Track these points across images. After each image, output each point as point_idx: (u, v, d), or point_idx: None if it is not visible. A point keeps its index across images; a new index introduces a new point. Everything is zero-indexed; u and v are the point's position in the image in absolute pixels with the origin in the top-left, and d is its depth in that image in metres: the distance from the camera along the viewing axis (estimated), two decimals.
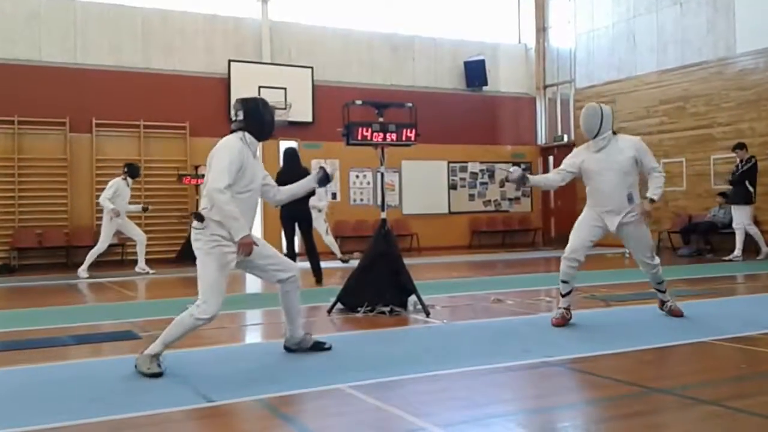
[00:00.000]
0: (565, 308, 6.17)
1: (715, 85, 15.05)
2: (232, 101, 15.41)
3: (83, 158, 14.29)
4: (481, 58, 18.23)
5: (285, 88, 15.69)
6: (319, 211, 12.61)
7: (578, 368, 4.62)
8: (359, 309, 6.96)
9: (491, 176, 18.39)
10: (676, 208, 15.74)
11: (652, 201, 5.98)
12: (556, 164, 19.34)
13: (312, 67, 16.27)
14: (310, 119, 16.11)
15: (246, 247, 4.51)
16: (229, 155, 4.58)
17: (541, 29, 19.40)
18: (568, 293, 6.21)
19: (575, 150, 6.38)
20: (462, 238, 17.50)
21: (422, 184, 17.43)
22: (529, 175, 6.30)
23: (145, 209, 12.35)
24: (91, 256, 11.61)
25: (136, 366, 4.47)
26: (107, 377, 4.54)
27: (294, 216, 9.69)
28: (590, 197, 6.27)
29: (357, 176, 16.86)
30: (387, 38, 17.58)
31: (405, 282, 7.05)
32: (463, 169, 18.06)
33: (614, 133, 6.13)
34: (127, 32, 14.96)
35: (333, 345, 5.23)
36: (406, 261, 7.38)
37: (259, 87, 15.43)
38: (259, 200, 4.98)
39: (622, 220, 6.07)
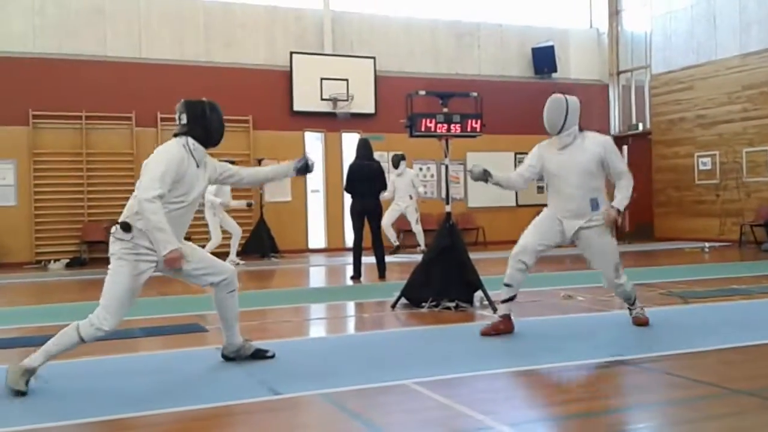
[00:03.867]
0: (502, 316, 5.53)
1: None
2: (295, 94, 15.80)
3: (149, 152, 14.22)
4: (550, 44, 17.70)
5: (347, 80, 15.54)
6: (411, 198, 13.16)
7: (653, 367, 4.42)
8: (424, 304, 6.90)
9: None
10: (761, 200, 14.91)
11: (618, 212, 5.39)
12: (631, 155, 18.77)
13: (374, 58, 16.06)
14: (372, 111, 15.91)
15: (173, 262, 4.14)
16: (165, 164, 4.17)
17: (615, 12, 18.69)
18: (509, 299, 5.55)
19: (536, 147, 5.69)
20: None
21: None
22: (492, 172, 5.68)
23: (249, 205, 12.67)
24: (207, 250, 11.70)
25: (6, 374, 4.00)
26: (175, 369, 4.63)
27: (364, 209, 9.55)
28: (550, 199, 5.66)
29: (420, 169, 16.57)
30: (451, 25, 17.21)
31: (471, 277, 6.94)
32: None
33: (581, 130, 5.53)
34: (190, 26, 15.03)
35: (397, 340, 5.12)
36: (472, 255, 7.25)
37: (321, 79, 15.38)
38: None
39: (582, 224, 5.43)
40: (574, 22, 18.71)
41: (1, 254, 13.47)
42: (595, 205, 5.43)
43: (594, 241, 5.49)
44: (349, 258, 10.32)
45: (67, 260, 13.39)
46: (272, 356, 4.75)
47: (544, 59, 17.67)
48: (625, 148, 18.48)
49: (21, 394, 3.92)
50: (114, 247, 4.20)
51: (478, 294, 6.92)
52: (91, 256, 13.76)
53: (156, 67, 14.51)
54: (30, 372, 3.98)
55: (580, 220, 5.43)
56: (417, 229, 13.50)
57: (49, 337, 4.18)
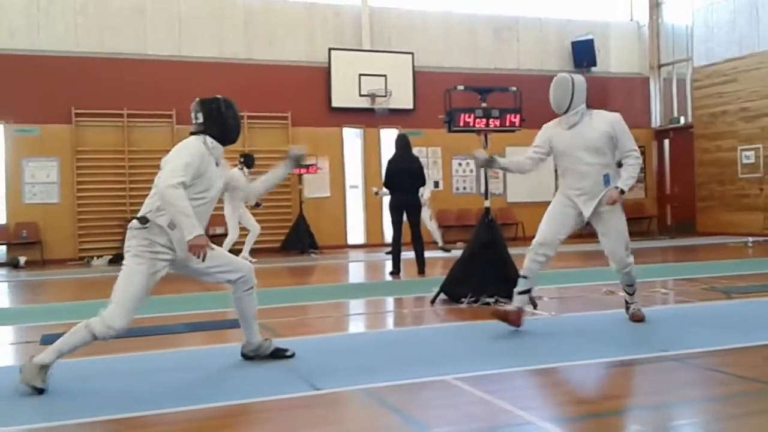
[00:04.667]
0: (516, 308, 5.41)
1: None
2: (333, 90, 15.86)
3: None
4: (589, 37, 17.50)
5: (385, 75, 15.55)
6: (421, 196, 12.69)
7: (696, 363, 4.34)
8: (463, 300, 6.87)
9: None
10: None
11: (621, 192, 5.28)
12: (673, 148, 18.49)
13: (412, 53, 16.03)
14: (410, 106, 15.90)
15: (198, 248, 4.01)
16: (188, 156, 4.14)
17: (655, 5, 18.40)
18: (525, 291, 5.46)
19: (544, 127, 5.66)
20: None
21: None
22: (497, 158, 5.62)
23: (257, 205, 12.63)
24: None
25: (20, 372, 3.95)
26: (216, 364, 4.63)
27: (403, 205, 9.56)
28: (562, 178, 5.59)
29: (459, 164, 16.52)
30: (489, 20, 17.10)
31: (510, 272, 6.83)
32: None
33: (589, 107, 5.44)
34: (230, 23, 15.18)
35: (436, 336, 5.10)
36: (511, 251, 7.20)
37: (360, 75, 15.41)
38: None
39: (598, 207, 5.36)
40: (614, 15, 18.46)
41: (45, 251, 13.76)
42: (607, 180, 5.37)
43: (610, 223, 5.43)
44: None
45: (110, 257, 13.59)
46: (292, 355, 4.66)
47: (583, 53, 17.47)
48: (666, 142, 18.24)
49: (39, 391, 3.89)
50: (130, 243, 4.14)
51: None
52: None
53: (196, 64, 14.68)
54: (45, 369, 3.93)
55: (595, 200, 5.36)
56: (432, 226, 13.59)
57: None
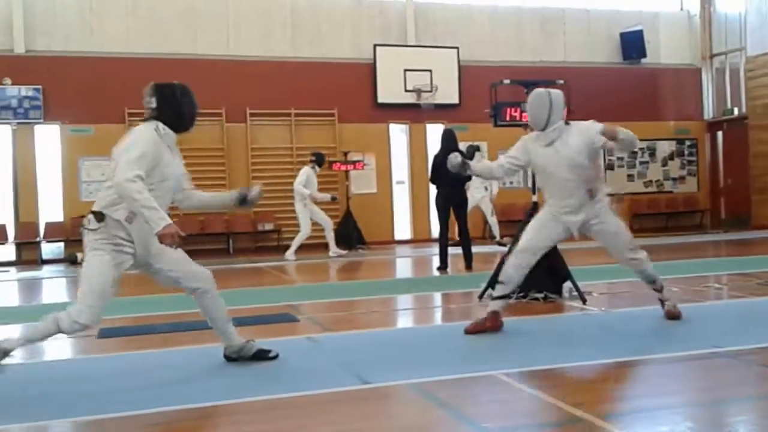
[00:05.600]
0: (491, 313, 5.28)
1: None
2: (379, 86, 15.87)
3: (239, 147, 14.85)
4: (638, 28, 17.19)
5: (430, 71, 15.54)
6: (486, 189, 13.37)
7: (751, 360, 4.26)
8: (511, 295, 6.68)
9: (652, 155, 17.40)
10: None
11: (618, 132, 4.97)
12: (726, 140, 18.05)
13: (457, 48, 15.98)
14: (456, 101, 15.86)
15: (169, 237, 3.86)
16: (141, 147, 3.96)
17: None
18: (501, 297, 5.33)
19: (522, 138, 5.45)
20: None
21: None
22: (469, 163, 5.52)
23: (333, 199, 12.88)
24: (296, 241, 12.26)
25: None
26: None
27: (450, 200, 9.55)
28: (546, 195, 5.43)
29: None
30: (535, 12, 16.95)
31: (559, 267, 6.81)
32: None
33: (567, 123, 5.24)
34: (277, 22, 15.35)
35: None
36: (560, 246, 7.03)
37: (405, 70, 15.43)
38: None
39: (585, 218, 5.21)
40: (664, 5, 18.11)
41: None
42: (592, 194, 5.22)
43: (603, 226, 5.31)
44: (436, 249, 10.35)
45: None
46: (275, 357, 4.53)
47: (632, 44, 17.17)
48: (719, 134, 17.83)
49: None
50: (88, 238, 4.02)
51: (567, 285, 6.82)
52: (186, 248, 13.99)
53: (244, 63, 14.88)
54: (4, 353, 3.93)
55: (582, 215, 5.24)
56: (492, 221, 13.66)
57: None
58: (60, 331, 3.98)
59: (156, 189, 4.01)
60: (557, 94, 5.26)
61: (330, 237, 12.62)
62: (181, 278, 4.30)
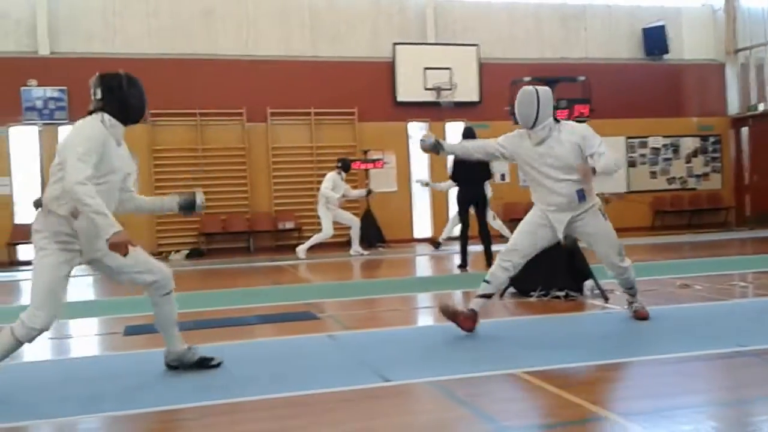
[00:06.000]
0: (470, 310, 5.18)
1: None
2: (398, 85, 15.85)
3: (260, 147, 14.90)
4: (661, 23, 17.01)
5: (450, 68, 15.48)
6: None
7: None
8: (532, 293, 6.83)
9: (675, 151, 17.22)
10: None
11: (593, 171, 4.98)
12: (751, 136, 17.81)
13: (477, 45, 15.92)
14: (476, 99, 15.80)
15: (119, 247, 3.72)
16: (86, 142, 3.82)
17: None
18: (485, 296, 5.25)
19: (516, 132, 5.37)
20: (643, 219, 16.45)
21: None
22: (443, 143, 5.38)
23: (369, 192, 13.10)
24: (313, 240, 12.32)
25: None
26: (289, 355, 4.77)
27: (469, 198, 9.53)
28: (534, 193, 5.35)
29: None
30: (556, 8, 16.85)
31: (580, 265, 6.83)
32: (643, 145, 17.01)
33: (557, 120, 5.17)
34: (296, 22, 15.37)
35: (505, 330, 5.12)
36: (581, 243, 7.02)
37: (424, 69, 15.40)
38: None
39: (571, 218, 5.17)
40: (687, 0, 17.92)
41: None
42: (581, 196, 5.16)
43: (590, 228, 5.28)
44: (456, 247, 10.33)
45: (187, 251, 14.01)
46: (218, 365, 4.38)
47: (655, 40, 17.00)
48: (744, 130, 17.61)
49: None
50: (35, 237, 3.91)
51: (589, 283, 6.81)
52: (208, 247, 14.37)
53: (264, 63, 14.92)
54: None
55: (568, 213, 5.20)
56: (498, 224, 13.23)
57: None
58: (20, 342, 3.85)
59: (103, 183, 3.89)
60: (546, 91, 5.21)
61: (355, 235, 12.70)
62: (139, 271, 4.15)
